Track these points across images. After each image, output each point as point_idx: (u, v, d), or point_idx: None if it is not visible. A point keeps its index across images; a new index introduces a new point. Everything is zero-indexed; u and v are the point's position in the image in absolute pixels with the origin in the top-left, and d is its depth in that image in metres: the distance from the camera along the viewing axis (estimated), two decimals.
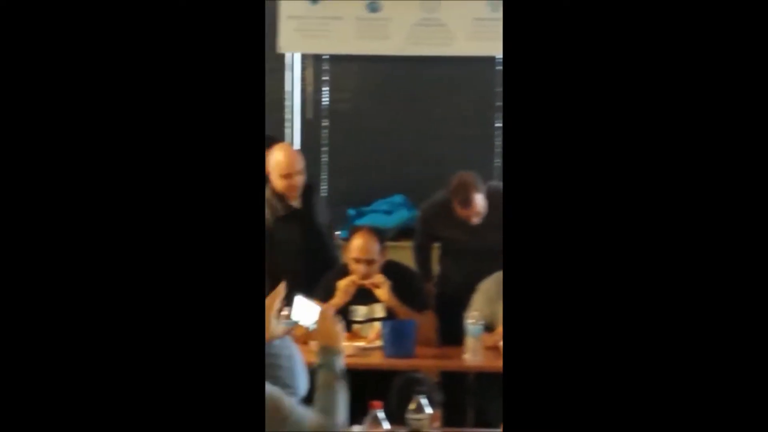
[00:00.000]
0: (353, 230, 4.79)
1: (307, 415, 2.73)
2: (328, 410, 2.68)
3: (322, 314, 2.83)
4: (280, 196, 4.85)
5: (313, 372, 3.24)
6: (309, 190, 4.97)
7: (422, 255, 5.16)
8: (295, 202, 4.90)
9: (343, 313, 4.46)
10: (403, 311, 4.53)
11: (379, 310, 4.59)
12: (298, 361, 2.97)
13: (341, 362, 2.78)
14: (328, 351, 2.77)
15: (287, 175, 4.81)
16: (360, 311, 4.58)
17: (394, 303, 4.53)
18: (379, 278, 4.54)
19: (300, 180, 4.86)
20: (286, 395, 2.73)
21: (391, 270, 4.70)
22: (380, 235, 4.73)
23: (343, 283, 4.55)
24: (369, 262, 4.60)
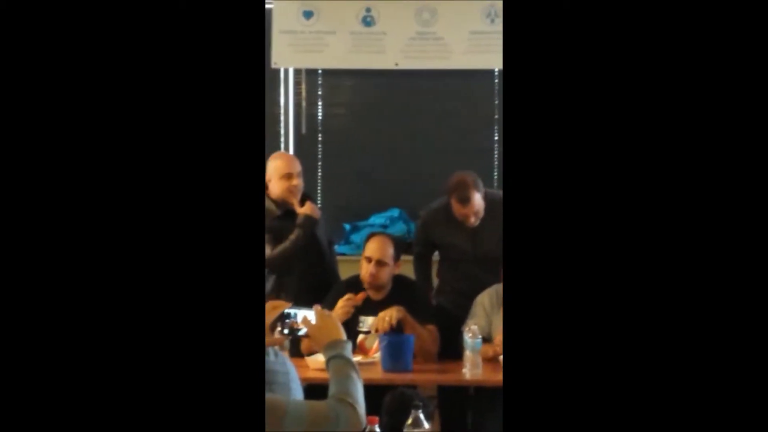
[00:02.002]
0: (370, 234, 4.79)
1: (308, 403, 2.67)
2: (347, 395, 2.59)
3: (317, 314, 2.79)
4: (279, 202, 4.85)
5: (308, 388, 3.21)
6: (306, 199, 4.97)
7: (422, 264, 5.13)
8: (295, 206, 4.90)
9: (350, 323, 4.45)
10: (411, 324, 4.49)
11: None
12: (294, 378, 2.94)
13: (350, 351, 2.73)
14: (335, 344, 2.71)
15: (288, 176, 4.84)
16: (367, 322, 4.54)
17: (409, 320, 4.49)
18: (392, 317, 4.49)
19: (300, 183, 4.88)
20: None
21: (397, 283, 4.67)
22: (398, 244, 4.72)
23: (339, 304, 4.51)
24: (379, 263, 4.58)
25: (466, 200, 4.71)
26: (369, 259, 4.62)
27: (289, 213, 4.87)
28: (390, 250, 4.62)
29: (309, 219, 4.81)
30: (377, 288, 4.63)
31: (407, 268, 5.01)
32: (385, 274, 4.62)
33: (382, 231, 4.89)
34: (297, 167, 4.90)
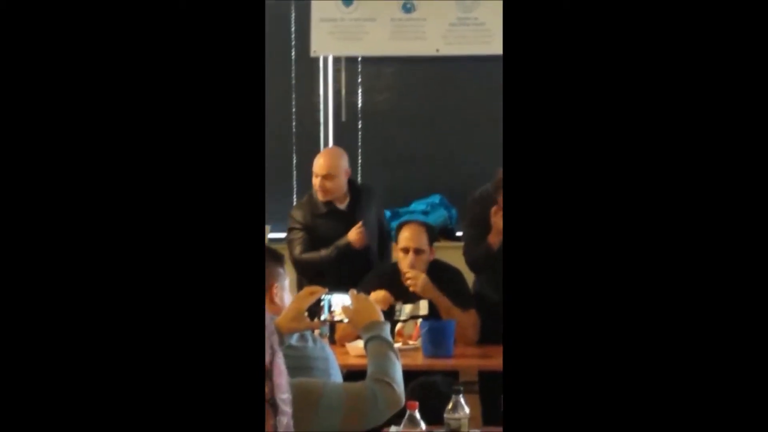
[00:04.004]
0: (401, 224, 4.76)
1: (345, 384, 2.68)
2: (384, 375, 2.58)
3: (354, 297, 2.80)
4: (325, 200, 4.93)
5: (349, 375, 3.22)
6: (357, 193, 5.03)
7: (479, 247, 4.96)
8: (342, 205, 4.97)
9: (387, 312, 4.44)
10: (447, 307, 4.49)
11: (423, 308, 4.52)
12: (333, 364, 2.96)
13: (388, 332, 2.72)
14: (372, 325, 2.71)
15: (326, 176, 4.89)
16: (404, 310, 4.54)
17: (439, 298, 4.49)
18: (418, 278, 4.50)
19: (333, 184, 4.91)
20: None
21: (435, 268, 4.67)
22: (430, 230, 4.71)
23: (379, 295, 4.47)
24: (417, 252, 4.57)
25: None
26: (406, 250, 4.58)
27: (333, 212, 4.93)
28: (424, 237, 4.60)
29: (348, 247, 4.85)
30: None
31: (444, 255, 4.99)
32: (424, 262, 4.61)
33: (413, 219, 4.89)
34: (333, 168, 4.92)
